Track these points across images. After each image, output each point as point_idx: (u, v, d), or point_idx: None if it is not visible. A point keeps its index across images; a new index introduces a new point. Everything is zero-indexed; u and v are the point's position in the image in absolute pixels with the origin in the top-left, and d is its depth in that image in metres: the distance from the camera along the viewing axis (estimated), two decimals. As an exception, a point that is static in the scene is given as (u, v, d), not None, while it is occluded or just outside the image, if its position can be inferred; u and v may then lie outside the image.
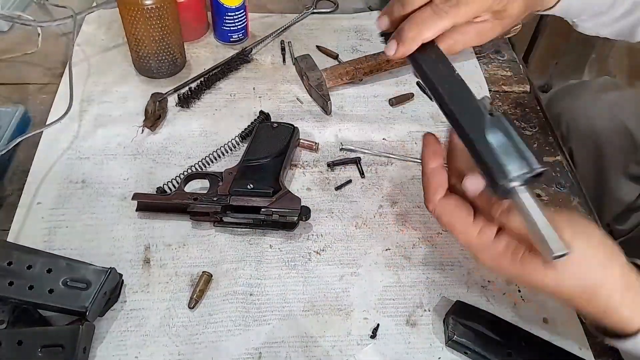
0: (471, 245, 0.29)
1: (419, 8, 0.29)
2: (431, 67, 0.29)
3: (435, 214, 0.29)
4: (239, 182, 0.46)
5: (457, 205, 0.29)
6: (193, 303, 0.41)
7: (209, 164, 0.51)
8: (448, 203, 0.29)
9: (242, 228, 0.46)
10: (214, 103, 0.58)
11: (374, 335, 0.40)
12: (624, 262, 0.28)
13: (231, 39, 0.64)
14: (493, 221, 0.28)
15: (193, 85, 0.59)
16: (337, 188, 0.50)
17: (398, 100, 0.59)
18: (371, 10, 0.73)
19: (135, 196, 0.46)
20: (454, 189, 0.30)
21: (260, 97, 0.59)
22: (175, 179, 0.49)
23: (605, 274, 0.27)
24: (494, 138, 0.25)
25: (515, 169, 0.24)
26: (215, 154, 0.52)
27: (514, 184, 0.25)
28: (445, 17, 0.29)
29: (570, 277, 0.27)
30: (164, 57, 0.58)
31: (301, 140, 0.54)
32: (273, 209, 0.44)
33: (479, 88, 0.62)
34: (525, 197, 0.25)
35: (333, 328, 0.40)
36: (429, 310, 0.42)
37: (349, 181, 0.51)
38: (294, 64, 0.62)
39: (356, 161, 0.53)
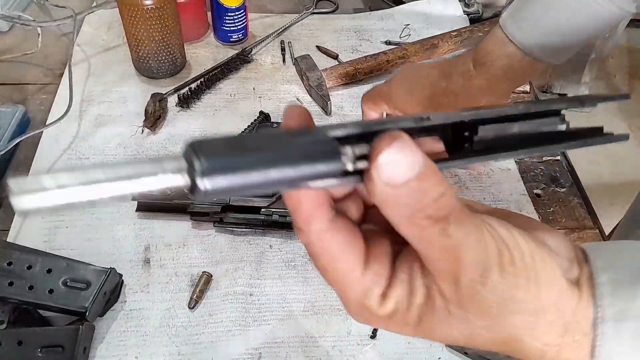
0: (349, 303, 0.18)
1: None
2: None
3: (311, 250, 0.18)
4: (239, 182, 0.46)
5: (345, 243, 0.18)
6: (193, 303, 0.41)
7: (209, 164, 0.51)
8: (334, 238, 0.17)
9: (242, 228, 0.46)
10: (214, 103, 0.58)
11: (374, 335, 0.40)
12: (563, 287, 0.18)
13: (231, 39, 0.64)
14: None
15: (193, 85, 0.59)
16: None
17: (398, 101, 0.59)
18: (371, 10, 0.73)
19: (135, 196, 0.46)
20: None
21: (260, 97, 0.59)
22: (175, 179, 0.49)
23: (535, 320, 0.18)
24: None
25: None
26: (215, 154, 0.52)
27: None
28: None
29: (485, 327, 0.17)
30: (164, 57, 0.58)
31: (301, 141, 0.54)
32: (273, 209, 0.44)
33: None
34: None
35: (333, 328, 0.40)
36: (429, 310, 0.42)
37: None
38: (294, 64, 0.62)
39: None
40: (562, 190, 0.52)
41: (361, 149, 0.15)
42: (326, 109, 0.57)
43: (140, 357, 0.38)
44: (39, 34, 0.61)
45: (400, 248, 0.18)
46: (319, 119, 0.57)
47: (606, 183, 1.21)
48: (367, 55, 0.61)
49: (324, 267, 0.18)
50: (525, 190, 0.51)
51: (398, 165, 0.15)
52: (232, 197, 0.45)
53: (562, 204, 0.51)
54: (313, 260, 0.18)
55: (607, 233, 0.51)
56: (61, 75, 0.59)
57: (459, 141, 0.18)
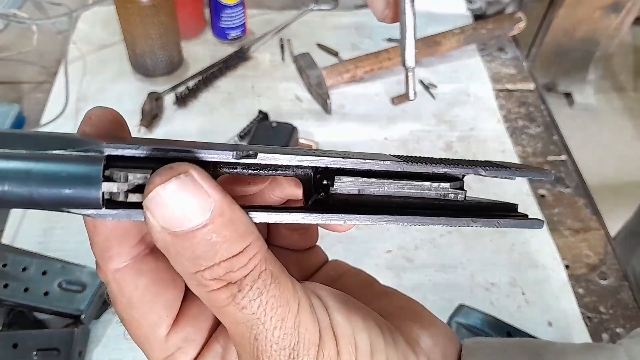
0: None
1: None
2: None
3: (110, 291, 0.15)
4: (237, 182, 0.45)
5: (150, 291, 0.14)
6: (190, 306, 0.40)
7: (206, 164, 0.50)
8: (135, 281, 0.14)
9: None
10: (211, 102, 0.57)
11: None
12: None
13: (229, 37, 0.63)
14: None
15: (190, 83, 0.58)
16: None
17: (399, 99, 0.58)
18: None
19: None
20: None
21: (259, 95, 0.58)
22: (173, 180, 0.48)
23: None
24: None
25: None
26: (213, 153, 0.51)
27: None
28: None
29: None
30: (160, 55, 0.57)
31: (300, 140, 0.53)
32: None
33: (483, 86, 0.61)
34: None
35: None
36: (431, 314, 0.41)
37: None
38: (293, 62, 0.62)
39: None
40: (568, 191, 0.51)
41: (138, 178, 0.11)
42: (326, 108, 0.56)
43: (136, 361, 0.38)
44: (34, 32, 0.60)
45: None
46: (319, 118, 0.56)
47: (612, 184, 1.20)
48: (368, 53, 0.60)
49: (120, 315, 0.14)
50: (530, 191, 0.50)
51: (178, 208, 0.11)
52: None
53: (567, 205, 0.50)
54: (113, 305, 0.15)
55: (612, 234, 0.50)
56: (56, 73, 0.58)
57: (317, 189, 0.14)
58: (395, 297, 0.17)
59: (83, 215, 0.12)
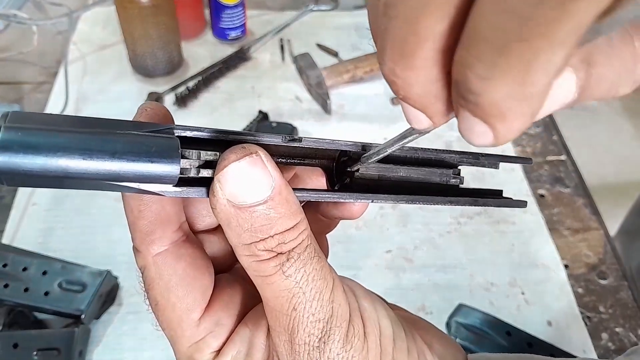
0: (178, 357, 0.16)
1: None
2: None
3: (146, 276, 0.15)
4: (237, 182, 0.45)
5: (188, 275, 0.15)
6: (190, 306, 0.40)
7: (206, 164, 0.50)
8: (175, 265, 0.15)
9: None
10: (212, 102, 0.57)
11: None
12: None
13: (229, 37, 0.63)
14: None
15: (190, 84, 0.58)
16: None
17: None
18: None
19: (132, 197, 0.46)
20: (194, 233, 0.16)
21: (259, 96, 0.58)
22: (173, 180, 0.48)
23: None
24: None
25: None
26: (213, 153, 0.51)
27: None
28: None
29: None
30: (160, 56, 0.57)
31: (300, 140, 0.53)
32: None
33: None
34: None
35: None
36: (431, 313, 0.41)
37: None
38: (293, 62, 0.62)
39: (356, 161, 0.52)
40: (567, 190, 0.51)
41: (209, 156, 0.13)
42: (326, 108, 0.56)
43: (136, 361, 0.38)
44: (34, 33, 0.60)
45: (259, 302, 0.15)
46: (319, 118, 0.56)
47: (611, 183, 1.20)
48: (368, 54, 0.60)
49: (155, 299, 0.15)
50: (529, 191, 0.50)
51: (246, 183, 0.12)
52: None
53: (566, 205, 0.50)
54: (146, 290, 0.15)
55: (611, 234, 0.50)
56: (57, 74, 0.58)
57: (340, 175, 0.16)
58: (405, 312, 0.19)
59: (150, 192, 0.12)
